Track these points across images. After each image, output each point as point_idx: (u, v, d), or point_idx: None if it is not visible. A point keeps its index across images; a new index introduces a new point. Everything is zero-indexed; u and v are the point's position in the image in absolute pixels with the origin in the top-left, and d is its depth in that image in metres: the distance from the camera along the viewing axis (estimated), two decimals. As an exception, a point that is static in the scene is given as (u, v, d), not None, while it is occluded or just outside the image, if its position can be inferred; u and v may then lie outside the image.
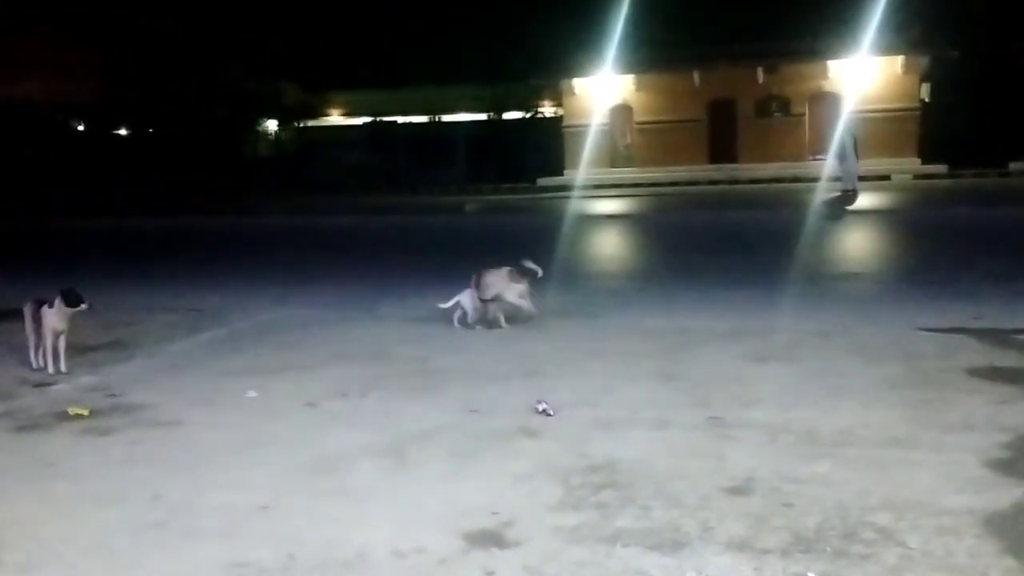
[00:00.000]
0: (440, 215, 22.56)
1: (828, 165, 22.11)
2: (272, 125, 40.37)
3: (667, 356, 6.21)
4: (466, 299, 7.27)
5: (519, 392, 5.37)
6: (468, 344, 6.86)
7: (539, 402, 4.98)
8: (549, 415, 4.88)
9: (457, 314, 7.28)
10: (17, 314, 6.54)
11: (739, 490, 3.77)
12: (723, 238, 14.86)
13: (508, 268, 7.26)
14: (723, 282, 9.63)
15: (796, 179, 28.61)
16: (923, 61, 30.30)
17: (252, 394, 5.55)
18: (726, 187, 28.54)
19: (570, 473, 4.04)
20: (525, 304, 7.25)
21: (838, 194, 19.58)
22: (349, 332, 7.49)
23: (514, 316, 7.45)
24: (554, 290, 9.40)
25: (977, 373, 5.39)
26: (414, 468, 4.19)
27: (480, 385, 5.61)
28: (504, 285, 7.22)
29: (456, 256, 11.44)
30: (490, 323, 7.22)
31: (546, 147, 34.00)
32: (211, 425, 4.97)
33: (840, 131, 20.14)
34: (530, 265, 7.33)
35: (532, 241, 15.42)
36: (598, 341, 6.82)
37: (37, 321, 6.22)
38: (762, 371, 5.68)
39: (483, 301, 7.20)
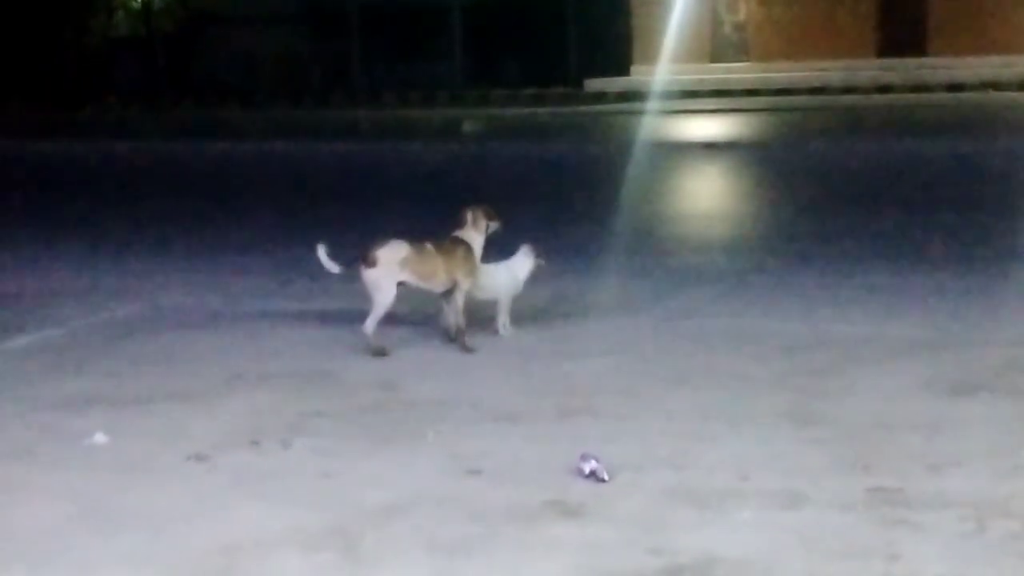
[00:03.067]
0: (419, 141, 22.59)
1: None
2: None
3: (800, 384, 6.15)
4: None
5: (549, 442, 5.35)
6: (463, 361, 6.84)
7: (584, 459, 4.98)
8: (601, 480, 4.87)
9: (448, 318, 7.29)
10: None
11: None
12: (898, 185, 14.79)
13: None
14: (896, 259, 9.55)
15: (1025, 84, 28.51)
16: None
17: (100, 439, 5.55)
18: (905, 96, 28.40)
19: (635, 581, 4.04)
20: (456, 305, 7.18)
21: None
22: (264, 338, 7.48)
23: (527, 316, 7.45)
24: (610, 271, 9.38)
25: None
26: (372, 570, 4.20)
27: (483, 429, 5.58)
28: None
29: (441, 209, 11.44)
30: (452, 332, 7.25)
31: (601, 27, 33.94)
32: (31, 491, 4.97)
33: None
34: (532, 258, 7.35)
35: (570, 187, 15.41)
36: (684, 357, 6.77)
37: None
38: (961, 411, 5.65)
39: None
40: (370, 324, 7.00)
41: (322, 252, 7.08)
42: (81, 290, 9.01)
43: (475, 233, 7.25)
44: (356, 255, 7.07)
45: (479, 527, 4.51)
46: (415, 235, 7.22)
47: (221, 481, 5.05)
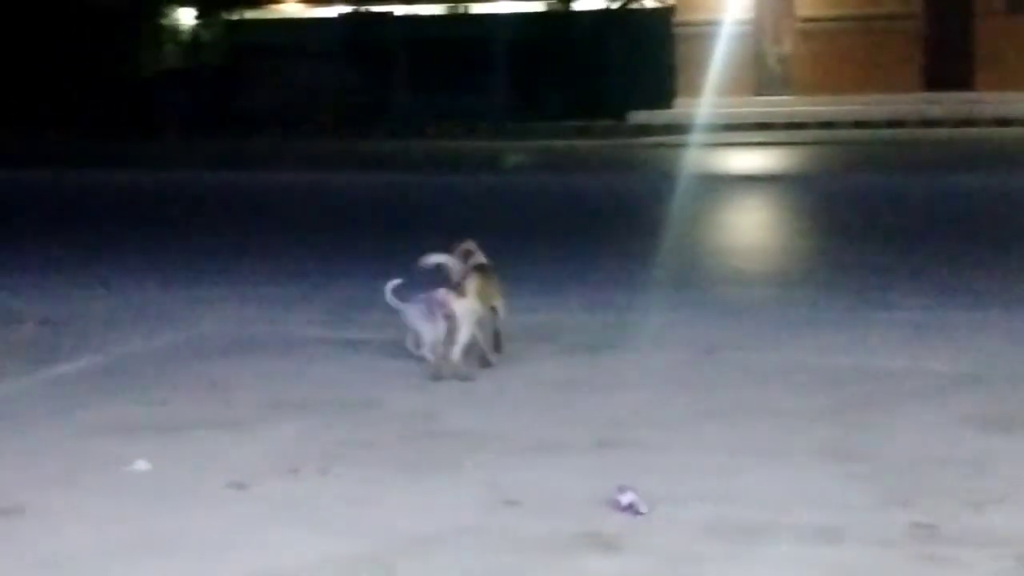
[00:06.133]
0: (461, 173, 22.67)
1: None
2: (186, 17, 40.89)
3: (841, 419, 6.13)
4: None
5: (587, 473, 5.35)
6: (500, 391, 6.86)
7: (621, 491, 4.97)
8: (639, 513, 4.86)
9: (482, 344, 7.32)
10: None
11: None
12: (942, 219, 14.71)
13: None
14: (939, 294, 9.50)
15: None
16: None
17: (141, 466, 5.58)
18: (952, 131, 28.24)
19: (671, 614, 4.03)
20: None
21: None
22: (305, 365, 7.51)
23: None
24: (651, 303, 9.37)
25: None
26: (407, 598, 4.20)
27: (521, 460, 5.59)
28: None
29: (491, 243, 11.46)
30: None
31: (644, 60, 34.02)
32: (71, 517, 5.00)
33: None
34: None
35: (611, 220, 15.43)
36: (723, 390, 6.76)
37: None
38: (1003, 447, 5.61)
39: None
40: (457, 352, 7.03)
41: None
42: (125, 317, 9.07)
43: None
44: (435, 286, 7.13)
45: (515, 558, 4.51)
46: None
47: (259, 508, 5.07)
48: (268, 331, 8.58)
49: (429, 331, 7.26)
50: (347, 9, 39.03)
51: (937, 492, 5.06)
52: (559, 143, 29.32)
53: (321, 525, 4.86)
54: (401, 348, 7.48)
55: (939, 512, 4.84)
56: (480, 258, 7.40)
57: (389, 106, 35.44)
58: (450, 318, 7.03)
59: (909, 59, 32.15)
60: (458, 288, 7.07)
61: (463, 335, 7.04)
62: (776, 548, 4.55)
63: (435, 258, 7.48)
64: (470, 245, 7.49)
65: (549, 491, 5.18)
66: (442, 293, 7.03)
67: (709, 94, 30.78)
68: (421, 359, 7.28)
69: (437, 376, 7.05)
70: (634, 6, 36.62)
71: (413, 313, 7.30)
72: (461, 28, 37.73)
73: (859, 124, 29.73)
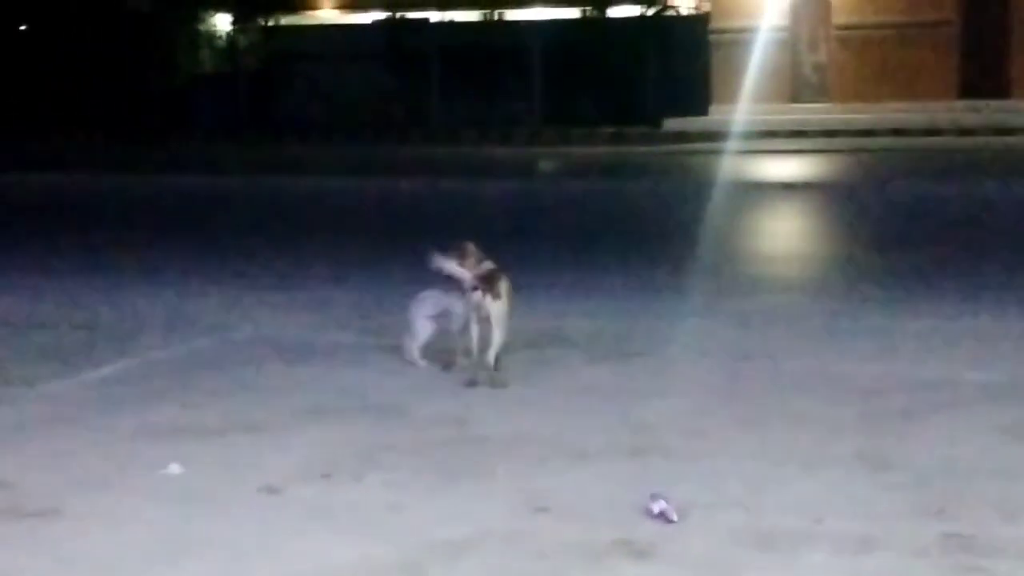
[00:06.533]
0: (496, 179, 22.68)
1: None
2: (223, 24, 41.09)
3: (876, 428, 6.12)
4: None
5: (619, 481, 5.35)
6: (532, 397, 6.87)
7: (654, 499, 4.96)
8: (671, 521, 4.86)
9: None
10: None
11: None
12: (978, 228, 14.62)
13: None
14: (975, 303, 9.45)
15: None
16: None
17: (175, 469, 5.63)
18: (987, 139, 28.07)
19: (702, 622, 4.02)
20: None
21: None
22: (339, 371, 7.55)
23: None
24: (686, 311, 9.35)
25: None
26: (439, 603, 4.22)
27: (553, 467, 5.60)
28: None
29: (525, 249, 11.48)
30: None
31: (679, 67, 33.96)
32: (106, 520, 5.04)
33: None
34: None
35: (646, 226, 15.41)
36: (757, 398, 6.76)
37: None
38: (1042, 458, 5.60)
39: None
40: (492, 355, 7.03)
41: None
42: (160, 321, 9.12)
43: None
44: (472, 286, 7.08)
45: (546, 565, 4.51)
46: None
47: (292, 513, 5.10)
48: (301, 336, 8.62)
49: (425, 332, 7.40)
50: (382, 15, 39.12)
51: (971, 502, 5.05)
52: (593, 150, 29.34)
53: (353, 530, 4.89)
54: (432, 353, 7.51)
55: (973, 522, 4.82)
56: (488, 263, 7.27)
57: (424, 112, 35.47)
58: (486, 321, 7.03)
59: (945, 67, 31.97)
60: (493, 290, 7.03)
61: (498, 338, 7.03)
62: (809, 557, 4.54)
63: (442, 263, 7.29)
64: (470, 247, 7.36)
65: (581, 498, 5.18)
66: (478, 296, 7.02)
67: (744, 101, 30.72)
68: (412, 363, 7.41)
69: (472, 382, 7.06)
70: (669, 13, 36.54)
71: (419, 309, 7.42)
72: (496, 35, 37.77)
73: (895, 132, 29.58)
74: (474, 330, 7.07)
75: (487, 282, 7.01)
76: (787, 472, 5.47)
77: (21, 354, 8.11)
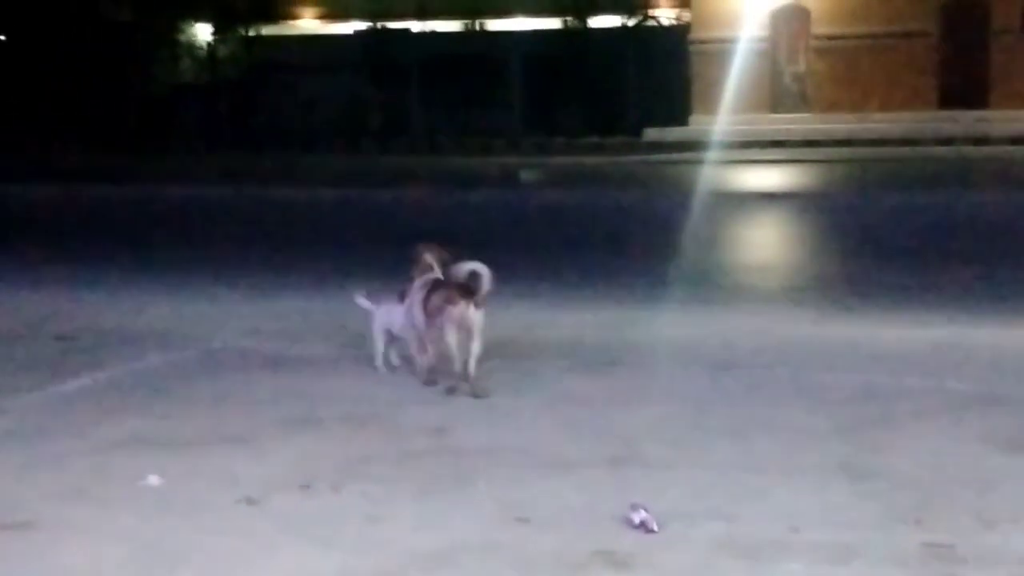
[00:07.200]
0: (478, 189, 22.69)
1: None
2: (203, 34, 41.07)
3: (855, 436, 6.11)
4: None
5: (599, 490, 5.34)
6: (513, 406, 6.85)
7: (634, 509, 4.95)
8: (651, 531, 4.85)
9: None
10: None
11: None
12: (958, 237, 14.68)
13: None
14: (955, 313, 9.48)
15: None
16: None
17: (153, 481, 5.60)
18: (967, 149, 28.22)
19: (682, 632, 4.01)
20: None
21: None
22: (317, 381, 7.52)
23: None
24: (665, 320, 9.36)
25: None
26: (417, 615, 4.20)
27: (533, 477, 5.58)
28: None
29: (505, 259, 11.46)
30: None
31: (660, 77, 34.07)
32: (81, 532, 5.00)
33: None
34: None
35: (627, 236, 15.44)
36: (737, 408, 6.75)
37: None
38: (1017, 467, 5.60)
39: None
40: (473, 365, 7.01)
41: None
42: (136, 333, 9.09)
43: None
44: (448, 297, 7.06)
45: (526, 575, 4.49)
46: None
47: (270, 524, 5.07)
48: (280, 346, 8.59)
49: (380, 342, 7.52)
50: (364, 26, 39.16)
51: (951, 511, 5.05)
52: (574, 159, 29.39)
53: (332, 541, 4.86)
54: (408, 363, 7.51)
55: (953, 531, 4.82)
56: (463, 265, 7.18)
57: (406, 122, 35.53)
58: (467, 331, 7.00)
59: (924, 77, 32.16)
60: (476, 300, 6.99)
61: (477, 347, 7.01)
62: (789, 566, 4.54)
63: (469, 266, 7.25)
64: (424, 254, 7.37)
65: (561, 508, 5.16)
66: (461, 307, 6.98)
67: (725, 111, 30.86)
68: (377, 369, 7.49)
69: (451, 390, 7.04)
70: (650, 24, 36.67)
71: (371, 323, 7.56)
72: (477, 45, 37.87)
73: (874, 142, 29.73)
74: (453, 340, 7.04)
75: (466, 293, 6.99)
76: (767, 481, 5.46)
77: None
